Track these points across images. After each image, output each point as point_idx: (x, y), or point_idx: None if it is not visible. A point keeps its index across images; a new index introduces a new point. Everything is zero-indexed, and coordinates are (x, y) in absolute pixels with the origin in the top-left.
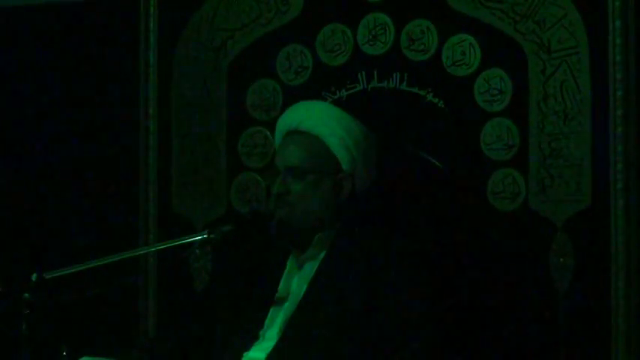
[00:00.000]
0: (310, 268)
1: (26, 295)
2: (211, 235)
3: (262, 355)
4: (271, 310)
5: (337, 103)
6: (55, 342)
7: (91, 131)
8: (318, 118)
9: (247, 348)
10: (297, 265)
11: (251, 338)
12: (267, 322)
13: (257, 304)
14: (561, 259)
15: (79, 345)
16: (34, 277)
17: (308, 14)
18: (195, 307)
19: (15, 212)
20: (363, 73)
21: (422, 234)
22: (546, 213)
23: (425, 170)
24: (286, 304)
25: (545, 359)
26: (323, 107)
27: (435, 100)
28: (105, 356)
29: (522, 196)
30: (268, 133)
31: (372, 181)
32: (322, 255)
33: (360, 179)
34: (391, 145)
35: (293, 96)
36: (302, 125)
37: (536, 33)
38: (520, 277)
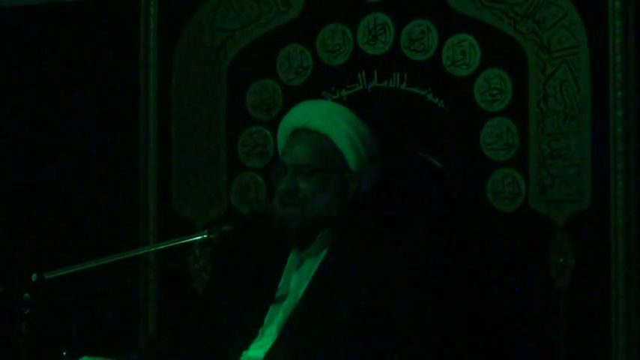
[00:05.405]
0: (310, 266)
1: (26, 295)
2: (211, 235)
3: (261, 352)
4: (270, 307)
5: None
6: (55, 342)
7: (90, 131)
8: (327, 117)
9: (247, 346)
10: (296, 262)
11: (251, 336)
12: (266, 319)
13: (257, 302)
14: (561, 259)
15: (79, 345)
16: (34, 277)
17: (308, 14)
18: (196, 307)
19: (15, 212)
20: (363, 73)
21: (422, 234)
22: (546, 213)
23: (425, 170)
24: (285, 302)
25: (545, 358)
26: (330, 106)
27: (435, 100)
28: (105, 356)
29: (522, 196)
30: (268, 132)
31: (376, 182)
32: (323, 253)
33: (366, 179)
34: (391, 145)
35: (293, 96)
36: (310, 124)
37: (536, 33)
38: (520, 277)
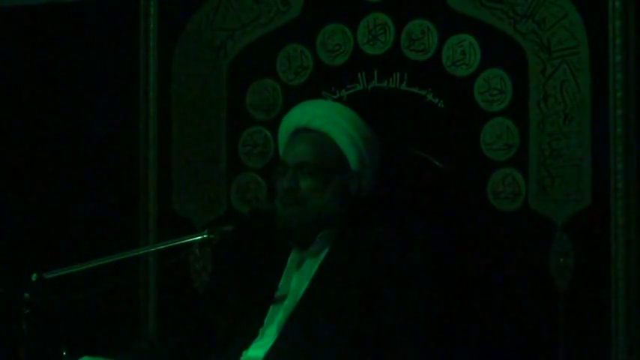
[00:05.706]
0: (310, 266)
1: (26, 295)
2: (211, 235)
3: (261, 352)
4: (271, 307)
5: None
6: (55, 342)
7: (91, 131)
8: (328, 116)
9: (247, 346)
10: (296, 262)
11: (251, 336)
12: (266, 319)
13: (257, 302)
14: (561, 259)
15: (79, 345)
16: (34, 277)
17: (308, 14)
18: (195, 307)
19: (15, 212)
20: (363, 73)
21: (422, 234)
22: (546, 213)
23: (425, 170)
24: (285, 302)
25: (545, 358)
26: (332, 106)
27: (435, 100)
28: (105, 356)
29: (522, 196)
30: (268, 132)
31: (376, 182)
32: (323, 254)
33: (367, 179)
34: (391, 145)
35: (293, 96)
36: (312, 123)
37: (536, 33)
38: (520, 277)
